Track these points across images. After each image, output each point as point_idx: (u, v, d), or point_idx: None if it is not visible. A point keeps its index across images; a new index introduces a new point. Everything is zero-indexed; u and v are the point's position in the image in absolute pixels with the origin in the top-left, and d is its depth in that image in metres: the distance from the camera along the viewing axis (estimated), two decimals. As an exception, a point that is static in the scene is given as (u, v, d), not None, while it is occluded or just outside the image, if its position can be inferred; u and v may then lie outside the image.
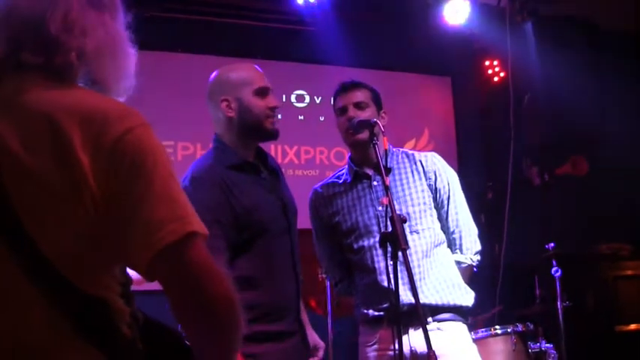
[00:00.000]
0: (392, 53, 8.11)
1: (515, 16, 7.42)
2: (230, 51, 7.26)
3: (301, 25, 7.51)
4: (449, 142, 8.68)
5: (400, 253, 3.26)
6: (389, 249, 3.38)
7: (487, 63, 8.78)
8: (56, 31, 1.80)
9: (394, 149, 4.12)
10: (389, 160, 3.94)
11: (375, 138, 3.70)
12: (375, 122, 3.75)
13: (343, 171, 4.14)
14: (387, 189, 3.42)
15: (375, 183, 3.96)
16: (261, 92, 3.54)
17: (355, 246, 3.96)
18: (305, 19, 7.34)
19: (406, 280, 3.42)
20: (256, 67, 3.67)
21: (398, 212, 3.40)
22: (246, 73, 3.59)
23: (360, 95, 3.98)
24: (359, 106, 3.95)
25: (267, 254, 3.41)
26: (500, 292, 6.99)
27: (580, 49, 7.90)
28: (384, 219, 3.61)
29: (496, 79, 8.73)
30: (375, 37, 7.93)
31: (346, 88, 4.04)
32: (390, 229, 3.34)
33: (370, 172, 3.98)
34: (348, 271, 4.09)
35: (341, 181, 4.09)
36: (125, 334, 1.76)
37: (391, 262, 3.36)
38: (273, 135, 3.61)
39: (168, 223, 1.67)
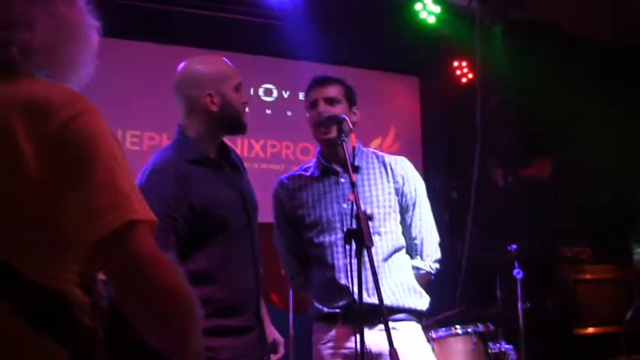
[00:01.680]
0: (361, 51, 8.11)
1: (485, 18, 7.45)
2: (199, 42, 7.20)
3: (272, 19, 7.49)
4: (415, 142, 8.70)
5: (365, 251, 3.26)
6: (353, 246, 3.37)
7: (456, 64, 8.81)
8: None
9: (364, 148, 4.13)
10: (358, 158, 3.95)
11: (344, 135, 3.70)
12: (344, 119, 3.75)
13: (311, 164, 4.13)
14: (353, 185, 3.41)
15: (342, 180, 3.95)
16: (239, 87, 3.55)
17: (316, 240, 3.95)
18: (276, 13, 7.32)
19: (363, 280, 3.43)
20: (227, 60, 3.67)
21: (363, 210, 3.41)
22: (225, 67, 3.59)
23: (332, 90, 3.98)
24: (330, 101, 3.94)
25: (226, 249, 3.38)
26: (461, 292, 7.03)
27: (546, 53, 7.96)
28: (349, 217, 3.61)
29: (464, 79, 8.76)
30: (345, 34, 7.93)
31: (319, 82, 4.03)
32: (355, 226, 3.34)
33: (339, 168, 3.98)
34: (305, 265, 4.09)
35: (308, 174, 4.07)
36: (85, 324, 1.74)
37: (354, 260, 3.36)
38: (245, 130, 3.63)
39: (111, 210, 1.64)
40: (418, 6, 7.18)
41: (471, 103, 7.63)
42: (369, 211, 3.76)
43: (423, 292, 3.99)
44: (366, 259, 3.28)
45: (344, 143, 3.63)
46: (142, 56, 7.45)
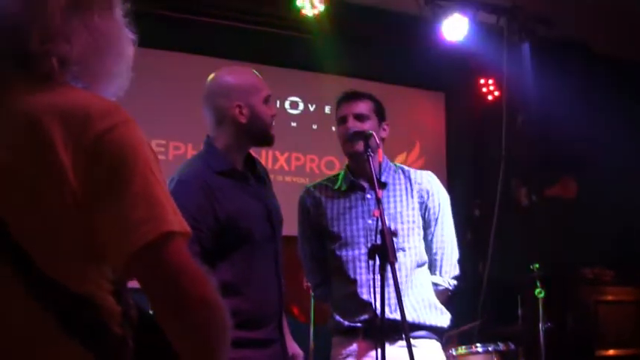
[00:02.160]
0: (388, 65, 8.11)
1: (513, 35, 7.44)
2: (227, 53, 7.25)
3: (300, 31, 7.50)
4: (439, 158, 8.69)
5: (388, 267, 3.27)
6: (377, 262, 3.38)
7: (482, 81, 8.79)
8: (35, 45, 1.79)
9: (391, 164, 4.13)
10: (385, 174, 3.96)
11: (370, 150, 3.71)
12: (371, 134, 3.76)
13: (339, 176, 4.13)
14: (378, 202, 3.42)
15: (368, 196, 3.95)
16: (268, 100, 3.56)
17: (338, 254, 3.96)
18: (303, 26, 7.34)
19: (387, 295, 3.43)
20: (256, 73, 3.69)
21: (388, 226, 3.41)
22: (255, 79, 3.61)
23: (361, 106, 3.99)
24: (359, 117, 3.96)
25: (250, 261, 3.40)
26: (482, 310, 7.00)
27: (574, 71, 7.93)
28: (373, 232, 3.61)
29: (490, 97, 8.73)
30: (372, 48, 7.95)
31: (349, 97, 4.05)
32: (379, 241, 3.35)
33: (365, 184, 3.99)
34: (329, 276, 4.09)
35: (335, 187, 4.08)
36: (115, 332, 1.75)
37: (378, 276, 3.37)
38: (272, 142, 3.65)
39: (146, 222, 1.65)
40: (445, 22, 7.16)
41: (497, 121, 7.62)
42: (393, 227, 3.77)
43: (444, 310, 3.99)
44: (389, 274, 3.29)
45: (370, 158, 3.65)
46: (169, 66, 7.48)
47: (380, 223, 3.37)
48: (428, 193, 4.05)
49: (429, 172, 4.19)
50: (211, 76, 3.63)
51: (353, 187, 4.03)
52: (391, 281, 3.31)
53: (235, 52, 7.33)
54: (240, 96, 3.50)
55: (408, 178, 4.07)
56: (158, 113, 7.20)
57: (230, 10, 7.39)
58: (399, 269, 3.77)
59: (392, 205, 3.96)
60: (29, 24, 1.81)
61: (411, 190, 4.03)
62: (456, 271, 4.10)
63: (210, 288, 1.71)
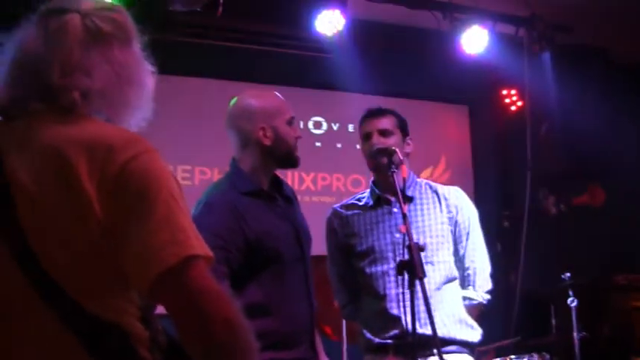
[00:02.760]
0: (410, 81, 8.11)
1: (533, 45, 7.42)
2: (248, 76, 7.29)
3: (319, 51, 7.52)
4: (466, 171, 8.67)
5: (417, 282, 3.27)
6: (405, 277, 3.38)
7: (504, 92, 8.78)
8: (56, 78, 1.84)
9: (417, 179, 4.13)
10: (412, 189, 3.97)
11: (394, 166, 3.72)
12: (394, 150, 3.77)
13: (365, 194, 4.15)
14: (404, 217, 3.43)
15: (395, 210, 3.96)
16: (291, 122, 3.58)
17: (368, 270, 3.96)
18: (323, 45, 7.35)
19: (417, 309, 3.43)
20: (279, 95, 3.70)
21: (416, 241, 3.42)
22: (278, 102, 3.64)
23: (385, 122, 4.01)
24: (384, 133, 3.98)
25: (279, 281, 3.41)
26: (515, 321, 6.96)
27: (596, 78, 7.89)
28: (401, 247, 3.61)
29: (513, 108, 8.72)
30: (394, 64, 7.94)
31: (372, 114, 4.07)
32: (407, 257, 3.35)
33: (392, 198, 3.99)
34: (357, 294, 4.09)
35: (361, 204, 4.10)
36: (144, 357, 1.78)
37: (407, 290, 3.37)
38: (297, 164, 3.66)
39: (169, 246, 1.69)
40: (464, 35, 7.15)
41: (521, 131, 7.59)
42: (421, 241, 3.77)
43: (475, 325, 3.98)
44: (419, 288, 3.28)
45: (394, 174, 3.66)
46: (192, 92, 7.52)
47: (407, 239, 3.37)
48: (457, 208, 4.05)
49: (457, 188, 4.20)
50: (234, 99, 3.65)
51: (379, 201, 4.04)
52: (420, 295, 3.31)
53: (257, 74, 7.37)
54: (263, 118, 3.52)
55: (436, 192, 4.08)
56: (182, 139, 7.24)
57: (250, 33, 7.41)
58: (428, 283, 3.76)
59: (420, 218, 3.96)
60: (50, 58, 1.85)
61: (440, 204, 4.03)
62: (489, 285, 4.10)
63: (234, 309, 1.73)
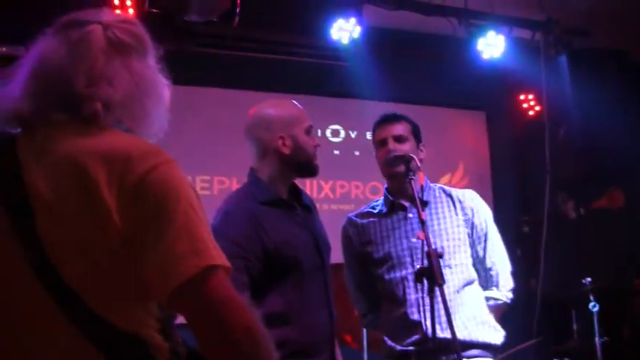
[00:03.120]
0: (426, 88, 8.11)
1: (550, 49, 7.41)
2: (265, 86, 7.30)
3: (336, 60, 7.53)
4: (484, 177, 8.66)
5: (436, 289, 3.27)
6: (425, 284, 3.38)
7: (522, 97, 8.75)
8: (80, 87, 1.86)
9: (431, 184, 4.13)
10: (426, 193, 3.96)
11: (412, 173, 3.72)
12: (411, 157, 3.77)
13: (379, 202, 4.15)
14: (422, 223, 3.43)
15: (410, 215, 3.96)
16: (309, 131, 3.59)
17: (386, 277, 3.96)
18: (339, 54, 7.37)
19: (435, 314, 3.43)
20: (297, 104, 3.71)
21: (433, 247, 3.42)
22: (296, 111, 3.64)
23: (400, 128, 4.01)
24: (399, 139, 3.97)
25: (299, 290, 3.40)
26: (536, 327, 6.94)
27: (614, 81, 7.86)
28: (418, 252, 3.61)
29: (531, 112, 8.69)
30: (410, 71, 7.94)
31: (387, 120, 4.07)
32: (425, 263, 3.35)
33: (406, 203, 3.99)
34: (376, 303, 4.09)
35: (376, 211, 4.10)
36: None
37: (427, 295, 3.37)
38: (317, 172, 3.66)
39: (188, 257, 1.70)
40: (481, 41, 7.15)
41: (539, 136, 7.57)
42: (438, 245, 3.78)
43: (498, 326, 3.97)
44: (438, 294, 3.29)
45: (412, 181, 3.65)
46: (209, 102, 7.56)
47: (426, 245, 3.37)
48: (472, 210, 4.05)
49: (471, 190, 4.20)
50: (253, 109, 3.66)
51: (394, 208, 4.04)
52: (440, 298, 3.31)
53: (274, 84, 7.39)
54: (282, 128, 3.53)
55: (450, 196, 4.08)
56: (201, 149, 7.27)
57: (266, 43, 7.43)
58: (447, 287, 3.76)
59: (435, 222, 3.96)
60: (74, 68, 1.87)
61: (454, 207, 4.03)
62: (512, 284, 4.10)
63: (253, 318, 1.74)
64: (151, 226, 1.71)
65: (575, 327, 6.32)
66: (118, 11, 5.63)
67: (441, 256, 3.40)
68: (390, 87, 7.55)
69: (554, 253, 7.25)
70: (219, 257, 1.75)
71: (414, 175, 3.73)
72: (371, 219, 4.09)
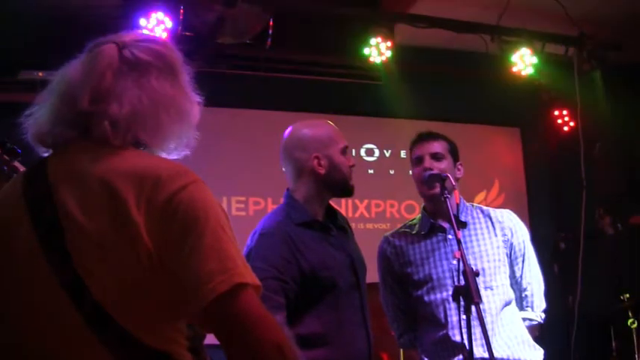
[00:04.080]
0: (460, 105, 8.11)
1: (583, 64, 7.37)
2: (299, 106, 7.33)
3: (369, 79, 7.55)
4: (519, 193, 8.62)
5: (473, 307, 3.25)
6: (462, 303, 3.37)
7: (556, 112, 8.71)
8: (85, 105, 1.88)
9: (468, 204, 4.12)
10: (464, 214, 3.96)
11: (447, 192, 3.70)
12: (447, 177, 3.76)
13: (415, 221, 4.14)
14: (459, 242, 3.42)
15: (449, 237, 3.94)
16: (345, 151, 3.60)
17: (427, 299, 3.94)
18: (372, 73, 7.38)
19: (478, 334, 3.42)
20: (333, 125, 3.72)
21: (474, 267, 3.42)
22: (332, 131, 3.65)
23: (437, 146, 4.00)
24: (435, 157, 3.97)
25: (335, 311, 3.40)
26: (575, 344, 6.89)
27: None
28: (457, 272, 3.60)
29: (566, 128, 8.64)
30: (443, 89, 7.94)
31: (424, 138, 4.07)
32: (462, 282, 3.34)
33: (446, 225, 3.98)
34: (413, 322, 4.07)
35: (414, 232, 4.08)
36: None
37: (464, 317, 3.36)
38: (352, 192, 3.66)
39: (218, 275, 1.70)
40: (515, 57, 7.14)
41: (575, 152, 7.53)
42: (479, 266, 3.78)
43: (537, 345, 3.96)
44: (475, 314, 3.27)
45: (447, 200, 3.64)
46: (244, 123, 7.58)
47: (462, 264, 3.36)
48: (511, 230, 4.04)
49: (508, 210, 4.19)
50: (288, 130, 3.67)
51: (433, 229, 4.02)
52: (477, 317, 3.30)
53: (308, 104, 7.41)
54: (317, 148, 3.54)
55: (489, 216, 4.06)
56: (236, 171, 7.30)
57: (299, 64, 7.46)
58: (489, 308, 3.77)
59: (475, 243, 3.95)
60: (82, 86, 1.89)
61: (494, 228, 4.02)
62: (544, 305, 4.10)
63: (284, 336, 1.74)
64: (181, 246, 1.73)
65: (614, 344, 6.26)
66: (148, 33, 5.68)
67: (477, 274, 3.39)
68: (424, 105, 7.57)
69: (591, 269, 7.19)
70: (248, 275, 1.76)
71: (449, 194, 3.71)
72: (409, 240, 4.08)
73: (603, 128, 7.93)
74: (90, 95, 1.89)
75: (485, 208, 4.17)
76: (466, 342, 3.39)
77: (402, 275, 4.05)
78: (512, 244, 4.02)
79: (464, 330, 3.49)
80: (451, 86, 7.98)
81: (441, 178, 3.78)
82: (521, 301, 4.06)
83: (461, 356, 3.77)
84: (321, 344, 3.25)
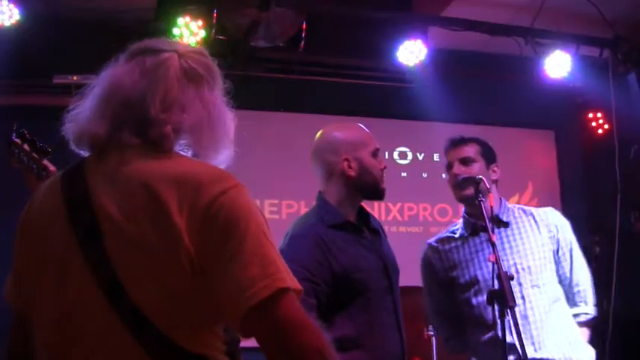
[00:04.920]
0: (493, 108, 8.08)
1: (618, 66, 7.32)
2: (332, 109, 7.35)
3: (402, 82, 7.54)
4: (553, 196, 8.55)
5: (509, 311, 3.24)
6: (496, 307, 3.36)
7: (591, 115, 8.66)
8: (155, 112, 1.91)
9: (509, 205, 4.11)
10: (505, 214, 3.94)
11: (481, 194, 3.69)
12: (480, 179, 3.74)
13: (458, 226, 4.14)
14: (493, 245, 3.41)
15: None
16: (376, 153, 3.59)
17: (474, 301, 3.94)
18: (406, 76, 7.37)
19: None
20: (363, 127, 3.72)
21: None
22: (362, 133, 3.64)
23: (467, 150, 4.00)
24: (464, 161, 3.97)
25: (368, 313, 3.39)
26: (610, 350, 6.83)
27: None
28: (491, 276, 3.59)
29: (600, 131, 8.60)
30: (477, 92, 7.92)
31: (453, 143, 4.08)
32: (497, 286, 3.32)
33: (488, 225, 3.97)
34: (460, 326, 4.06)
35: (457, 236, 4.08)
36: None
37: (507, 318, 3.33)
38: (383, 195, 3.65)
39: (260, 280, 1.71)
40: (548, 60, 7.10)
41: (609, 155, 7.47)
42: (525, 265, 3.82)
43: (588, 345, 3.97)
44: (511, 318, 3.25)
45: (482, 203, 3.63)
46: (277, 126, 7.62)
47: (497, 267, 3.35)
48: (557, 227, 4.03)
49: (551, 208, 4.20)
50: (319, 132, 3.68)
51: (476, 230, 4.02)
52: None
53: (340, 107, 7.44)
54: (347, 150, 3.53)
55: (532, 215, 4.06)
56: (269, 174, 7.34)
57: (333, 67, 7.47)
58: (537, 306, 3.77)
59: (519, 242, 3.94)
60: (151, 92, 1.91)
61: (537, 226, 4.01)
62: (594, 299, 4.10)
63: (324, 341, 1.75)
64: (222, 250, 1.74)
65: (650, 349, 6.21)
66: (185, 39, 5.71)
67: (512, 278, 3.37)
68: (457, 108, 7.54)
69: (626, 273, 7.13)
70: (290, 280, 1.77)
71: (483, 197, 3.70)
72: (453, 244, 4.08)
73: (638, 131, 7.86)
74: (160, 104, 1.92)
75: (526, 207, 4.18)
76: (517, 343, 3.36)
77: (447, 280, 4.06)
78: (558, 240, 4.01)
79: (514, 329, 3.47)
80: (485, 89, 7.96)
81: (475, 182, 3.76)
82: (574, 297, 4.05)
83: (513, 356, 3.74)
84: (354, 347, 3.24)
